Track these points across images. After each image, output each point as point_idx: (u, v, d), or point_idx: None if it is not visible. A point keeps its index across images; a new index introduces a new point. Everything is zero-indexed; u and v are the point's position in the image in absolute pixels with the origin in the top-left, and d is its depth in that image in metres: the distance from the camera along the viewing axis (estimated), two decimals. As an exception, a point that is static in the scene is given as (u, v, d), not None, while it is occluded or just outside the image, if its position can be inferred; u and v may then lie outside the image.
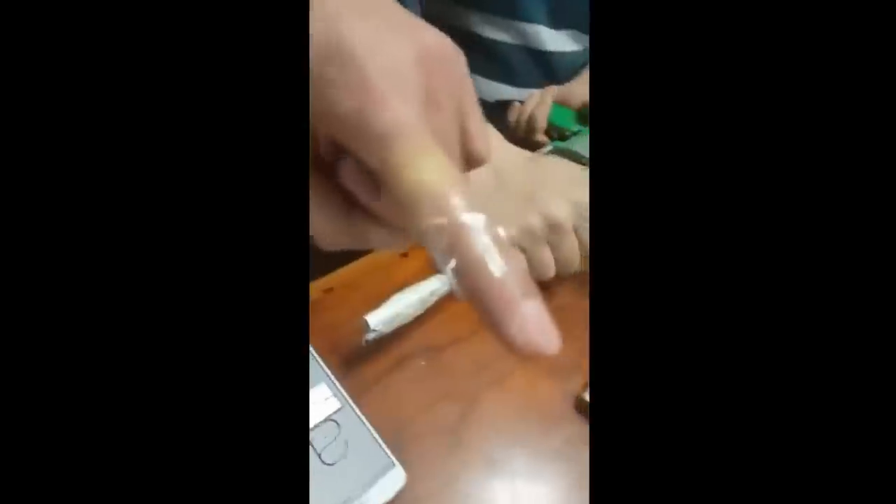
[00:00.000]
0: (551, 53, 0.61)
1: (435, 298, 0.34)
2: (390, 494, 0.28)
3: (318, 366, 0.32)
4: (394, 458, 0.29)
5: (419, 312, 0.34)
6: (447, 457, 0.30)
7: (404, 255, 0.41)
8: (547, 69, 0.62)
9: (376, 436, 0.30)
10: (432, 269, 0.40)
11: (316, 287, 0.38)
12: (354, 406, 0.31)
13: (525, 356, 0.13)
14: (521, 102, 0.58)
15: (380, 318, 0.31)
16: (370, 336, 0.31)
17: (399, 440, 0.30)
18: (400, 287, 0.38)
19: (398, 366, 0.34)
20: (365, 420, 0.30)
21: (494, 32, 0.60)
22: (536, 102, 0.55)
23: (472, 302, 0.13)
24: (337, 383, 0.32)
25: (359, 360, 0.34)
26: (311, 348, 0.33)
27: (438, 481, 0.29)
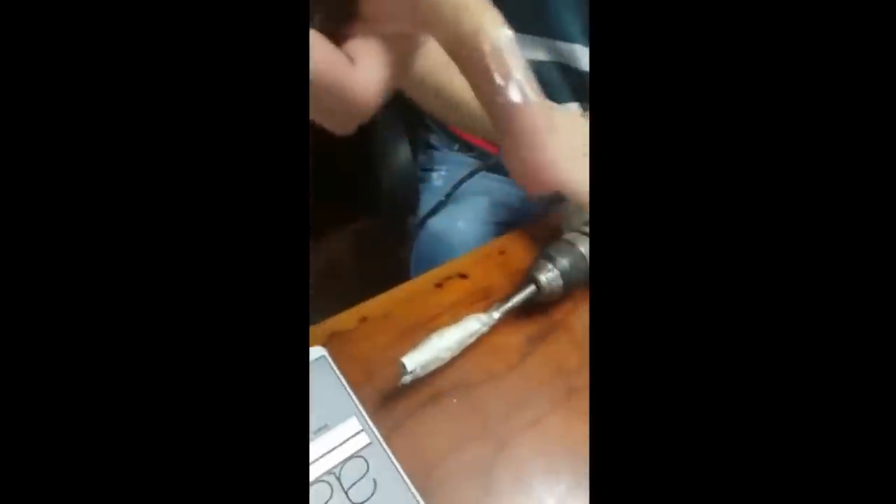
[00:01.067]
0: (585, 73, 0.60)
1: (473, 339, 0.33)
2: (417, 540, 0.27)
3: (349, 399, 0.32)
4: (422, 502, 0.28)
5: (456, 354, 0.33)
6: (474, 499, 0.29)
7: (439, 285, 0.41)
8: (576, 87, 0.62)
9: (405, 477, 0.29)
10: (468, 303, 0.39)
11: (351, 315, 0.38)
12: (384, 443, 0.30)
13: (543, 184, 0.15)
14: None
15: (417, 361, 0.31)
16: (406, 378, 0.31)
17: (428, 481, 0.29)
18: (433, 318, 0.38)
19: (430, 402, 0.33)
20: (394, 459, 0.30)
21: (533, 53, 0.60)
22: None
23: (505, 119, 0.14)
24: (367, 418, 0.31)
25: (391, 395, 0.33)
26: (343, 381, 0.33)
27: (467, 529, 0.28)
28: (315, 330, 0.37)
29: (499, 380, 0.35)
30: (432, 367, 0.32)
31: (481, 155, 0.69)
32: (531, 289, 0.36)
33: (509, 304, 0.35)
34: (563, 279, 0.36)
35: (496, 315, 0.34)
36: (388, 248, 0.79)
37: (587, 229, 0.38)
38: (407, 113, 0.70)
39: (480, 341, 0.35)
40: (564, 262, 0.36)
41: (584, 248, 0.37)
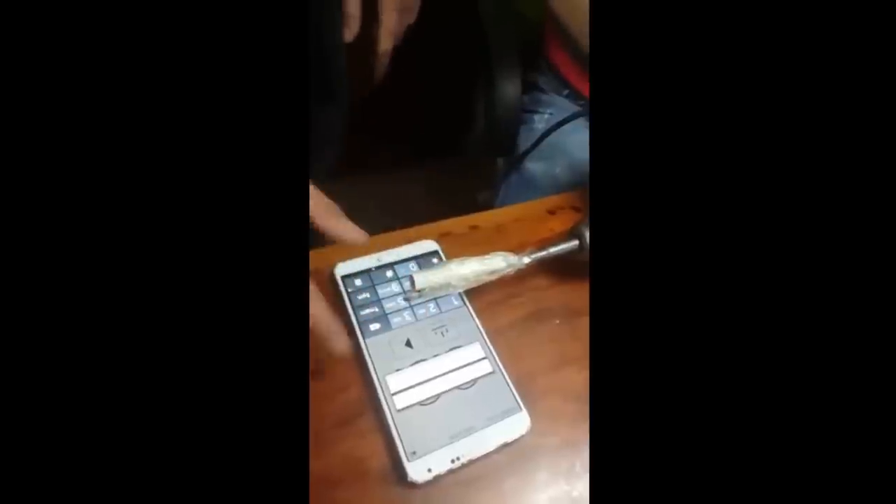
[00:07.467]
0: None
1: (494, 277, 0.32)
2: (512, 436, 0.27)
3: (457, 294, 0.32)
4: (521, 403, 0.28)
5: (473, 286, 0.32)
6: (571, 418, 0.29)
7: (552, 212, 0.40)
8: None
9: (506, 375, 0.29)
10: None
11: (462, 222, 0.38)
12: (487, 340, 0.30)
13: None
14: None
15: (427, 282, 0.30)
16: (412, 296, 0.31)
17: (524, 390, 0.29)
18: (543, 241, 0.37)
19: (534, 317, 0.33)
20: (495, 353, 0.30)
21: None
22: None
23: None
24: (474, 316, 0.31)
25: (495, 302, 0.33)
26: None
27: (560, 438, 0.28)
28: (428, 228, 0.37)
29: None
30: (443, 293, 0.31)
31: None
32: (573, 243, 0.34)
33: (543, 253, 0.33)
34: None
35: (526, 260, 0.32)
36: (469, 191, 0.78)
37: None
38: (522, 48, 0.67)
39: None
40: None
41: None
